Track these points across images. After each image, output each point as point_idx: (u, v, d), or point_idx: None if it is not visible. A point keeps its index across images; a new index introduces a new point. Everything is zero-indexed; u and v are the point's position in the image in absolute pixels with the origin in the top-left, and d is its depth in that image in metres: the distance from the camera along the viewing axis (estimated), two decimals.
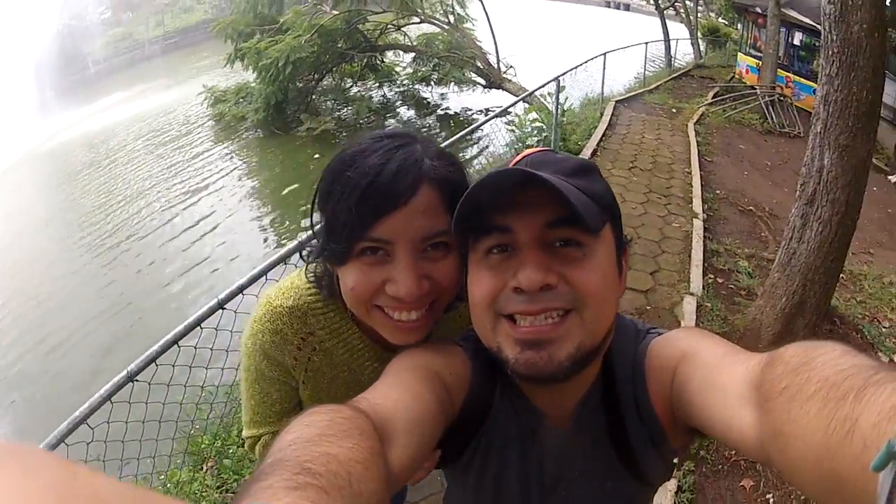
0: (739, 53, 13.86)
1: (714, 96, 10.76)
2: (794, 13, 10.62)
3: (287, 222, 7.69)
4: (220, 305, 1.81)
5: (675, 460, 0.67)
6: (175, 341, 1.73)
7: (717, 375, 0.51)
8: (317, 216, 0.72)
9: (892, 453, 0.26)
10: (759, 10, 12.37)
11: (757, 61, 12.34)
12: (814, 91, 11.68)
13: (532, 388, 0.66)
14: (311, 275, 0.81)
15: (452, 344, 0.71)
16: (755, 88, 10.39)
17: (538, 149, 0.66)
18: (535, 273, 0.55)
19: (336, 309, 0.83)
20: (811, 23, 9.94)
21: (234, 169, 9.80)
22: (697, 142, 7.60)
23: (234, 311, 1.86)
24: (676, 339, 0.64)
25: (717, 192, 6.14)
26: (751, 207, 6.00)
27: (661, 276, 4.04)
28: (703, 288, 3.90)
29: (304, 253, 0.83)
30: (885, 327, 4.34)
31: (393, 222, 0.64)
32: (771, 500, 2.26)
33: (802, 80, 11.63)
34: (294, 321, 0.81)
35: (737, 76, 13.22)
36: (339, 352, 0.86)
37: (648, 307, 3.67)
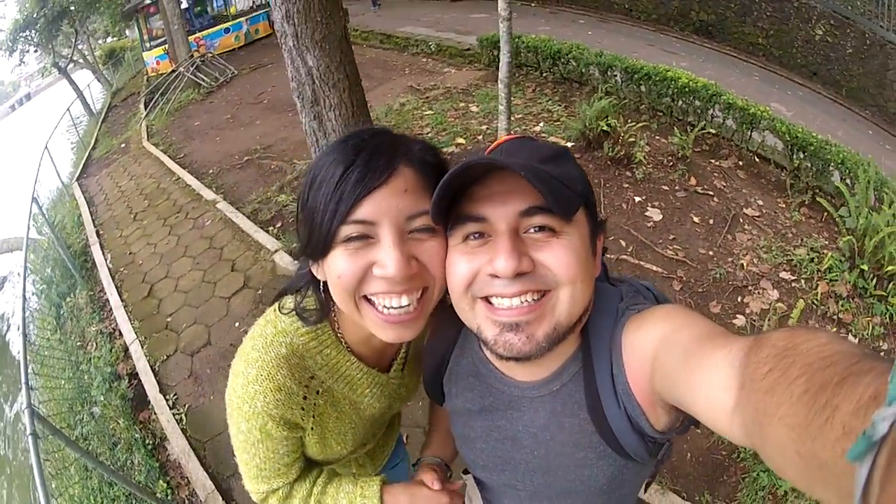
0: (143, 53, 13.57)
1: (146, 105, 10.45)
2: None
3: None
4: None
5: (668, 440, 0.66)
6: None
7: (700, 357, 0.50)
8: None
9: (868, 443, 0.25)
10: (147, 0, 12.40)
11: (163, 47, 12.40)
12: (225, 30, 13.06)
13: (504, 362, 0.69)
14: (287, 310, 0.78)
15: None
16: (175, 71, 10.59)
17: (516, 136, 0.67)
18: (509, 261, 0.57)
19: (330, 342, 0.81)
20: None
21: None
22: (162, 150, 7.52)
23: None
24: (655, 319, 0.62)
25: (210, 171, 6.31)
26: (246, 158, 6.29)
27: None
28: (277, 237, 4.37)
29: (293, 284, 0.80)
30: None
31: (374, 202, 0.64)
32: None
33: (207, 31, 12.65)
34: (294, 370, 0.77)
35: (153, 74, 12.91)
36: (340, 387, 0.84)
37: None
